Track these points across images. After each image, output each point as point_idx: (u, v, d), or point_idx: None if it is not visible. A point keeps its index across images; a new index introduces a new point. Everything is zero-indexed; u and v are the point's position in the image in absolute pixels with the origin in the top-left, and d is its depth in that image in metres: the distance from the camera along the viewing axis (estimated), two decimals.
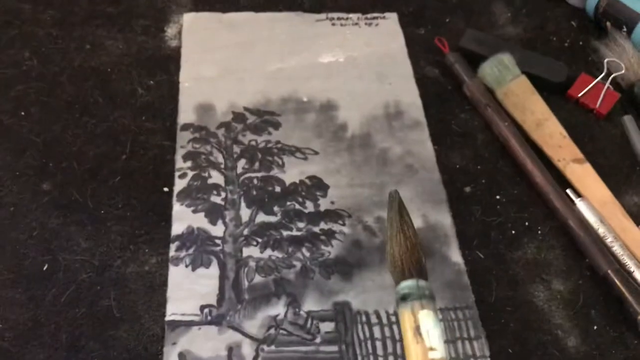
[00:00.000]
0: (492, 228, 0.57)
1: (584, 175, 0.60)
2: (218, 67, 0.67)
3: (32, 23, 0.70)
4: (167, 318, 0.49)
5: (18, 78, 0.65)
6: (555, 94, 0.67)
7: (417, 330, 0.42)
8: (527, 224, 0.57)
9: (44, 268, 0.51)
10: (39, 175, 0.57)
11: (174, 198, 0.56)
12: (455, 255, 0.54)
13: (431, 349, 0.41)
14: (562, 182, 0.60)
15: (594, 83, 0.67)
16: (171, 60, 0.67)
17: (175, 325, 0.49)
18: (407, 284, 0.43)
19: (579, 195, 0.59)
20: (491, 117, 0.64)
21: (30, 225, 0.54)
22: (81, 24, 0.70)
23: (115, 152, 0.59)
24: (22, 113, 0.61)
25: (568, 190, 0.59)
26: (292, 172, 0.59)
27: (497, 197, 0.59)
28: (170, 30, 0.71)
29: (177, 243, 0.53)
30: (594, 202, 0.58)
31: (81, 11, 0.71)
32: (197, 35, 0.70)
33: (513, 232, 0.57)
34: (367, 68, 0.69)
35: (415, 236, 0.46)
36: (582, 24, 0.75)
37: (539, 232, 0.57)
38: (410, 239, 0.45)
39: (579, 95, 0.67)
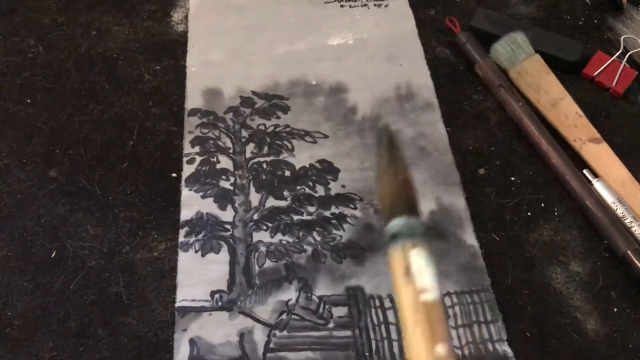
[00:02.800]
0: (507, 210, 0.55)
1: (601, 155, 0.59)
2: (225, 51, 0.66)
3: (37, 10, 0.69)
4: (177, 304, 0.48)
5: (24, 65, 0.64)
6: (570, 73, 0.66)
7: (408, 270, 0.37)
8: (543, 205, 0.56)
9: (52, 255, 0.51)
10: (45, 163, 0.56)
11: (183, 183, 0.55)
12: (470, 238, 0.53)
13: (423, 290, 0.37)
14: (579, 162, 0.59)
15: (610, 61, 0.65)
16: (178, 45, 0.66)
17: (186, 311, 0.48)
18: (397, 222, 0.39)
19: (596, 175, 0.57)
20: (504, 97, 0.62)
21: (38, 212, 0.53)
22: (86, 10, 0.69)
23: (123, 138, 0.58)
24: (29, 100, 0.61)
25: (585, 171, 0.58)
26: (302, 156, 0.58)
27: (512, 178, 0.58)
28: (177, 15, 0.69)
29: (186, 229, 0.52)
30: (611, 182, 0.57)
31: None
32: (204, 19, 0.69)
33: (529, 213, 0.55)
34: (377, 50, 0.67)
35: (406, 171, 0.41)
36: (597, 1, 0.73)
37: (556, 213, 0.56)
38: (401, 175, 0.40)
39: (595, 74, 0.65)
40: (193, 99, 0.62)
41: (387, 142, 0.43)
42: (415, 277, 0.36)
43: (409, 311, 0.36)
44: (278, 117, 0.61)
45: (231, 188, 0.55)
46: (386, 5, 0.72)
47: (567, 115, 0.61)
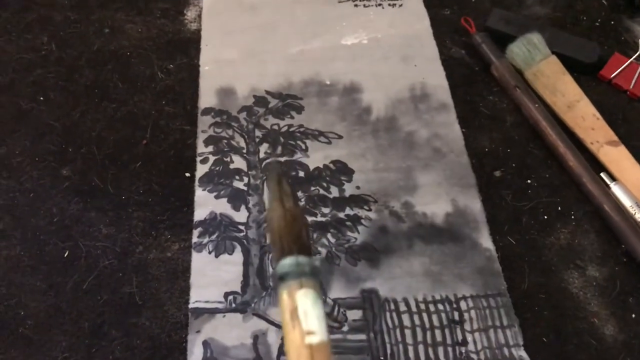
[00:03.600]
0: (524, 213, 0.55)
1: (618, 158, 0.58)
2: (239, 50, 0.66)
3: (50, 7, 0.69)
4: (191, 305, 0.48)
5: (37, 63, 0.64)
6: (586, 74, 0.65)
7: (294, 313, 0.36)
8: (559, 208, 0.55)
9: (65, 255, 0.50)
10: (58, 161, 0.56)
11: (196, 183, 0.55)
12: (486, 241, 0.52)
13: (309, 332, 0.35)
14: (596, 165, 0.58)
15: (627, 63, 0.65)
16: (191, 44, 0.66)
17: (199, 312, 0.48)
18: (285, 262, 0.37)
19: (613, 178, 0.57)
20: (520, 98, 0.62)
21: (51, 211, 0.53)
22: (100, 7, 0.69)
23: (136, 137, 0.58)
24: (41, 98, 0.60)
25: (602, 174, 0.57)
26: (316, 157, 0.58)
27: (528, 181, 0.57)
28: (190, 13, 0.69)
29: (199, 229, 0.52)
30: (629, 185, 0.56)
31: None
32: (218, 18, 0.68)
33: (545, 217, 0.55)
34: (391, 50, 0.67)
35: (296, 207, 0.40)
36: (614, 2, 0.73)
37: (573, 217, 0.55)
38: (290, 211, 0.39)
39: (612, 75, 0.64)
40: (206, 98, 0.61)
41: (276, 178, 0.41)
42: (301, 319, 0.35)
43: (293, 355, 0.35)
44: (292, 117, 0.60)
45: (245, 188, 0.55)
46: (400, 5, 0.71)
47: (584, 117, 0.60)
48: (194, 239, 0.51)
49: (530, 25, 0.67)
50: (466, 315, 0.49)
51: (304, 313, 0.35)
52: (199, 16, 0.69)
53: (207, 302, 0.48)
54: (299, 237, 0.39)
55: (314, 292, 0.36)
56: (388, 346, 0.47)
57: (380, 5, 0.71)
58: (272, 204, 0.40)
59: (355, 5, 0.71)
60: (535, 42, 0.65)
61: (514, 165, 0.58)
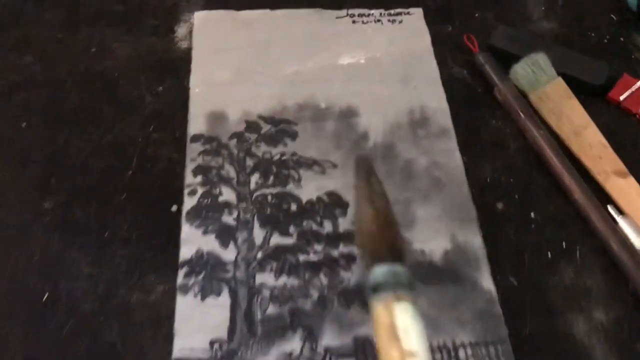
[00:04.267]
0: (527, 250, 0.52)
1: (627, 190, 0.55)
2: (231, 71, 0.63)
3: (36, 24, 0.66)
4: (175, 355, 0.45)
5: (21, 84, 0.61)
6: (594, 96, 0.62)
7: (392, 330, 0.32)
8: (564, 244, 0.53)
9: (44, 298, 0.48)
10: (40, 193, 0.54)
11: (183, 218, 0.52)
12: (487, 282, 0.50)
13: (410, 354, 0.32)
14: (603, 197, 0.55)
15: (637, 85, 0.62)
16: (181, 63, 0.63)
17: None
18: (379, 271, 0.34)
19: (621, 212, 0.54)
20: (525, 124, 0.59)
21: (30, 249, 0.50)
22: (87, 24, 0.66)
23: (121, 166, 0.56)
24: (24, 124, 0.58)
25: (609, 207, 0.54)
26: (309, 188, 0.55)
27: (532, 214, 0.55)
28: (181, 30, 0.66)
29: (185, 269, 0.50)
30: (638, 219, 0.53)
31: (87, 10, 0.68)
32: (209, 36, 0.66)
33: (549, 254, 0.52)
34: (390, 70, 0.64)
35: (388, 208, 0.36)
36: (624, 18, 0.70)
37: (578, 254, 0.52)
38: (383, 213, 0.35)
39: (621, 98, 0.61)
40: (196, 124, 0.59)
41: (366, 173, 0.37)
42: (401, 338, 0.32)
43: None
44: (285, 144, 0.58)
45: (234, 223, 0.52)
46: (400, 22, 0.68)
47: (591, 145, 0.58)
48: (179, 281, 0.49)
49: (536, 44, 0.64)
50: None
51: (404, 330, 0.32)
52: (190, 33, 0.66)
53: (192, 350, 0.46)
54: (394, 242, 0.35)
55: (413, 306, 0.33)
56: None
57: (379, 21, 0.68)
58: (360, 204, 0.36)
59: (354, 22, 0.68)
60: (540, 63, 0.62)
61: (516, 196, 0.56)
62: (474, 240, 0.52)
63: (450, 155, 0.58)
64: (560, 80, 0.61)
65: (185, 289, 0.49)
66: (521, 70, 0.62)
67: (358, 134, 0.59)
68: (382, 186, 0.37)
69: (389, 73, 0.64)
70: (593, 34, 0.69)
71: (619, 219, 0.53)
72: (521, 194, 0.56)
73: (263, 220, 0.53)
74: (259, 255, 0.51)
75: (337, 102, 0.61)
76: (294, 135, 0.58)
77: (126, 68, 0.63)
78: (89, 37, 0.65)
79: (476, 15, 0.70)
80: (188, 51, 0.64)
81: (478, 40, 0.65)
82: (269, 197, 0.54)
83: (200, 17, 0.67)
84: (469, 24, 0.69)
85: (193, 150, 0.57)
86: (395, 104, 0.61)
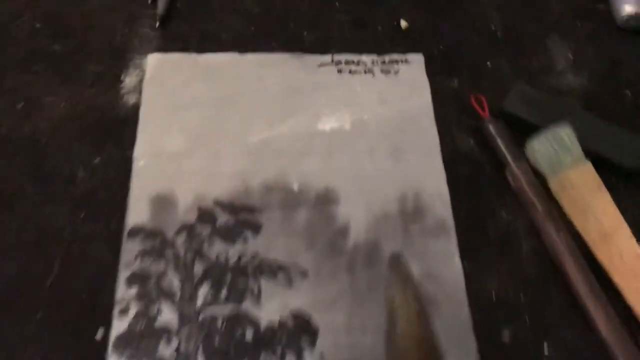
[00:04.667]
0: None
1: None
2: (185, 136, 0.52)
3: None
4: None
5: None
6: (629, 181, 0.51)
7: None
8: None
9: None
10: None
11: (109, 348, 0.42)
12: None
13: None
14: (635, 324, 0.44)
15: None
16: (126, 125, 0.52)
17: None
18: None
19: None
20: (541, 221, 0.48)
21: None
22: (16, 70, 0.55)
23: (40, 271, 0.45)
24: None
25: None
26: (271, 306, 0.44)
27: (545, 344, 0.44)
28: (129, 80, 0.55)
29: None
30: None
31: (18, 51, 0.56)
32: (163, 87, 0.54)
33: None
34: (379, 139, 0.52)
35: (431, 333, 0.33)
36: None
37: None
38: (427, 341, 0.33)
39: None
40: (137, 211, 0.48)
41: (402, 283, 0.33)
42: None
43: None
44: (245, 241, 0.47)
45: (173, 357, 0.42)
46: (396, 72, 0.56)
47: (623, 255, 0.47)
48: None
49: (559, 109, 0.53)
50: None
51: None
52: (140, 82, 0.54)
53: None
54: None
55: None
56: None
57: (370, 72, 0.56)
58: (399, 326, 0.34)
59: (339, 71, 0.56)
60: (564, 139, 0.50)
61: (527, 320, 0.45)
62: None
63: (448, 262, 0.47)
64: (589, 165, 0.50)
65: None
66: (540, 148, 0.50)
67: (336, 228, 0.48)
68: (422, 302, 0.34)
69: (378, 142, 0.52)
70: (629, 92, 0.57)
71: None
72: (533, 315, 0.45)
73: (209, 354, 0.42)
74: None
75: (313, 183, 0.50)
76: (257, 229, 0.48)
77: (58, 131, 0.51)
78: (16, 87, 0.53)
79: (488, 64, 0.58)
80: (135, 109, 0.53)
81: (488, 100, 0.53)
82: (219, 321, 0.43)
83: (153, 61, 0.56)
84: (479, 76, 0.57)
85: (130, 251, 0.46)
86: (383, 186, 0.50)
